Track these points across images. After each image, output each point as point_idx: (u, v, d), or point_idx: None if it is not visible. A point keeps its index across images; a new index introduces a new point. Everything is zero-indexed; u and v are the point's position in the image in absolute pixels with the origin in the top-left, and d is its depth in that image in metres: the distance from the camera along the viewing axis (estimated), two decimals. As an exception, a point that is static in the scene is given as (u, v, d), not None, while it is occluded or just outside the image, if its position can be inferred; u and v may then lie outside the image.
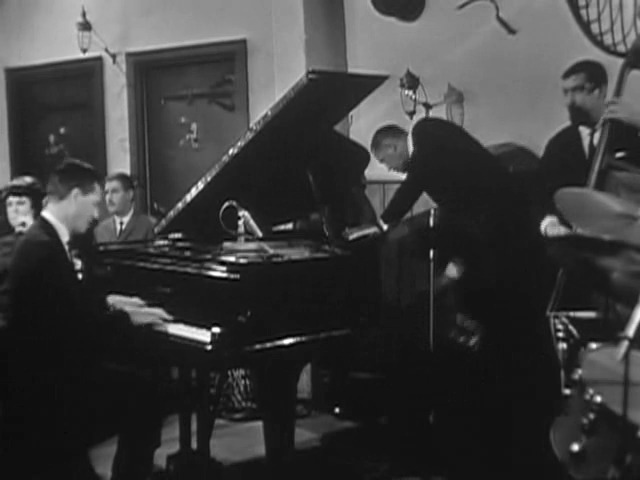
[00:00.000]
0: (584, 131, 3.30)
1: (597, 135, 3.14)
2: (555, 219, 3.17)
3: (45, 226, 2.83)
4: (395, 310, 3.91)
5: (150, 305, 2.93)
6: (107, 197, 4.76)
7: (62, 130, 6.33)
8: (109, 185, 4.77)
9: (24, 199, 3.76)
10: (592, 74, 3.25)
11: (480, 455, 3.34)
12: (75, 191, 2.86)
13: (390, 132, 4.04)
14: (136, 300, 2.96)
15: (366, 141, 3.93)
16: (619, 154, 3.01)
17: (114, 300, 2.96)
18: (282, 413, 2.80)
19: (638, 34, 3.25)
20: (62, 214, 2.86)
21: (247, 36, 5.30)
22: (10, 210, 3.77)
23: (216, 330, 2.60)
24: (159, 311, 2.88)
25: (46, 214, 2.88)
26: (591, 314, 2.88)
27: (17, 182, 3.86)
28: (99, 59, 5.90)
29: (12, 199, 3.77)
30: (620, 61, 3.11)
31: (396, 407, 4.03)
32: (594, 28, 3.98)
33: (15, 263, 2.80)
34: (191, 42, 5.47)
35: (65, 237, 2.87)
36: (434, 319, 3.51)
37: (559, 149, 3.43)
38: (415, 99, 4.59)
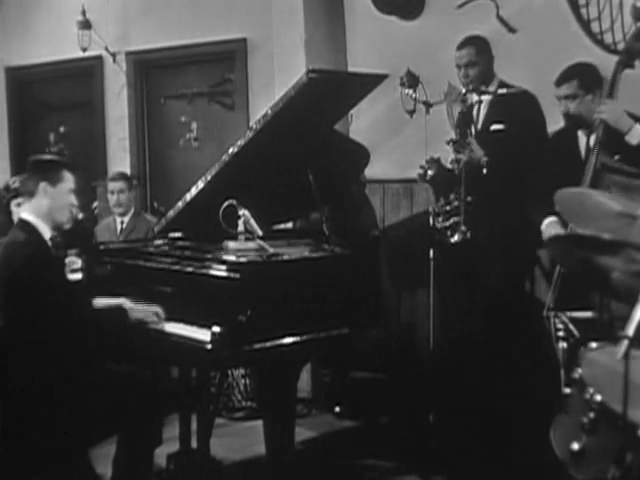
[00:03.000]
0: (581, 132, 3.31)
1: (593, 137, 3.14)
2: (555, 219, 3.18)
3: (24, 226, 2.83)
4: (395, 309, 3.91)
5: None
6: (114, 198, 4.77)
7: (62, 129, 6.33)
8: (114, 186, 4.78)
9: None
10: (584, 80, 3.24)
11: (480, 455, 3.34)
12: (43, 185, 2.84)
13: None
14: (123, 300, 2.93)
15: (366, 140, 3.92)
16: (616, 157, 3.01)
17: (100, 303, 2.94)
18: (282, 412, 2.80)
19: (631, 34, 3.25)
20: (37, 210, 2.84)
21: (247, 35, 5.30)
22: (20, 210, 3.78)
23: (216, 329, 2.60)
24: (156, 308, 2.88)
25: (24, 214, 2.86)
26: (587, 314, 2.89)
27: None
28: (99, 58, 5.90)
29: (22, 199, 3.78)
30: (620, 60, 3.11)
31: (396, 407, 4.03)
32: (594, 27, 3.97)
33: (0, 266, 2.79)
34: (191, 41, 5.47)
35: (47, 234, 2.85)
36: (434, 319, 3.51)
37: (556, 149, 3.45)
38: (415, 98, 4.58)
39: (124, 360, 2.96)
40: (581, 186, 2.93)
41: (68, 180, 2.91)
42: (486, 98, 3.75)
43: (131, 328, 2.84)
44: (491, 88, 3.72)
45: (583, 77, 3.23)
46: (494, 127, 3.71)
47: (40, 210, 2.84)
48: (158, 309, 2.88)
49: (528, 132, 3.63)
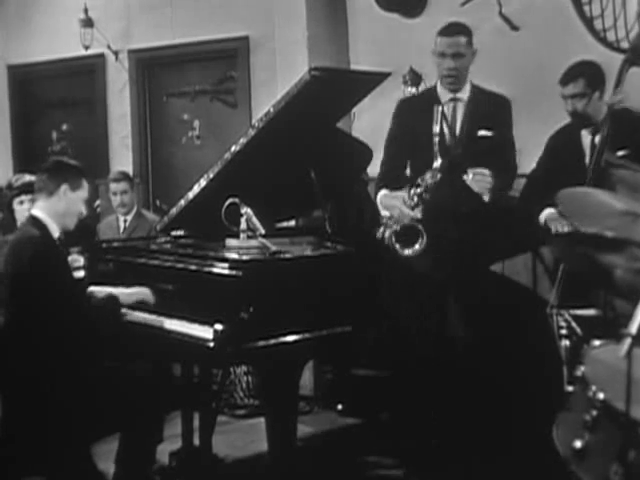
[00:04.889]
0: (585, 131, 3.32)
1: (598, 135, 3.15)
2: (554, 211, 3.18)
3: (35, 223, 2.84)
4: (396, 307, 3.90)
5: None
6: (117, 199, 4.78)
7: (64, 127, 6.34)
8: (116, 187, 4.79)
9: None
10: (590, 79, 3.25)
11: (481, 452, 3.34)
12: (64, 187, 2.88)
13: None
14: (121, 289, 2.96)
15: (369, 138, 3.92)
16: (621, 152, 3.02)
17: (94, 290, 2.96)
18: (284, 410, 2.80)
19: (638, 32, 3.26)
20: (52, 211, 2.87)
21: (249, 33, 5.31)
22: (23, 208, 3.79)
23: (218, 327, 2.60)
24: (145, 290, 2.91)
25: (35, 211, 2.89)
26: (590, 311, 2.89)
27: (27, 180, 3.88)
28: (101, 56, 5.91)
29: (24, 197, 3.79)
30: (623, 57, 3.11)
31: (398, 404, 4.03)
32: (597, 24, 3.98)
33: (8, 261, 2.80)
34: (193, 39, 5.48)
35: (56, 233, 2.88)
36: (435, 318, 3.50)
37: (558, 145, 3.45)
38: (418, 96, 4.58)
39: (126, 357, 2.96)
40: (586, 185, 2.93)
41: (85, 189, 2.98)
42: (463, 97, 3.38)
43: (123, 316, 2.88)
44: (465, 88, 3.40)
45: (589, 75, 3.24)
46: (482, 133, 3.34)
47: (55, 211, 2.88)
48: (147, 291, 2.90)
49: (510, 139, 3.43)
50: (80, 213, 2.97)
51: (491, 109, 3.38)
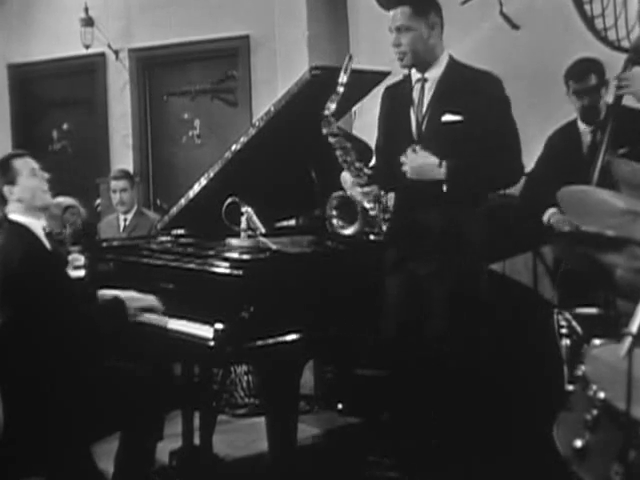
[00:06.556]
0: (584, 128, 3.33)
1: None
2: (557, 209, 3.20)
3: (12, 227, 2.79)
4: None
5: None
6: (116, 197, 4.79)
7: (65, 126, 6.34)
8: (116, 185, 4.80)
9: None
10: (599, 74, 3.29)
11: (482, 452, 3.34)
12: (5, 189, 2.78)
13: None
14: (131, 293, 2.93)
15: (369, 137, 3.91)
16: (622, 150, 3.03)
17: (105, 294, 2.93)
18: (285, 409, 2.80)
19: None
20: (20, 210, 2.80)
21: (250, 32, 5.31)
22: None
23: (219, 326, 2.60)
24: (152, 298, 2.88)
25: (9, 215, 2.82)
26: (591, 311, 2.89)
27: None
28: (102, 55, 5.91)
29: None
30: (624, 57, 3.11)
31: (398, 404, 4.02)
32: (598, 23, 3.97)
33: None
34: (194, 38, 5.48)
35: (38, 228, 2.81)
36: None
37: (558, 144, 3.46)
38: (418, 95, 4.57)
39: (126, 357, 2.96)
40: (588, 184, 2.94)
41: (24, 166, 2.81)
42: (433, 76, 2.84)
43: (129, 320, 2.84)
44: (438, 65, 2.84)
45: (597, 71, 3.27)
46: (447, 118, 2.78)
47: (22, 210, 2.80)
48: (154, 299, 2.88)
49: (494, 125, 2.78)
50: (41, 182, 2.82)
51: (469, 89, 2.80)
